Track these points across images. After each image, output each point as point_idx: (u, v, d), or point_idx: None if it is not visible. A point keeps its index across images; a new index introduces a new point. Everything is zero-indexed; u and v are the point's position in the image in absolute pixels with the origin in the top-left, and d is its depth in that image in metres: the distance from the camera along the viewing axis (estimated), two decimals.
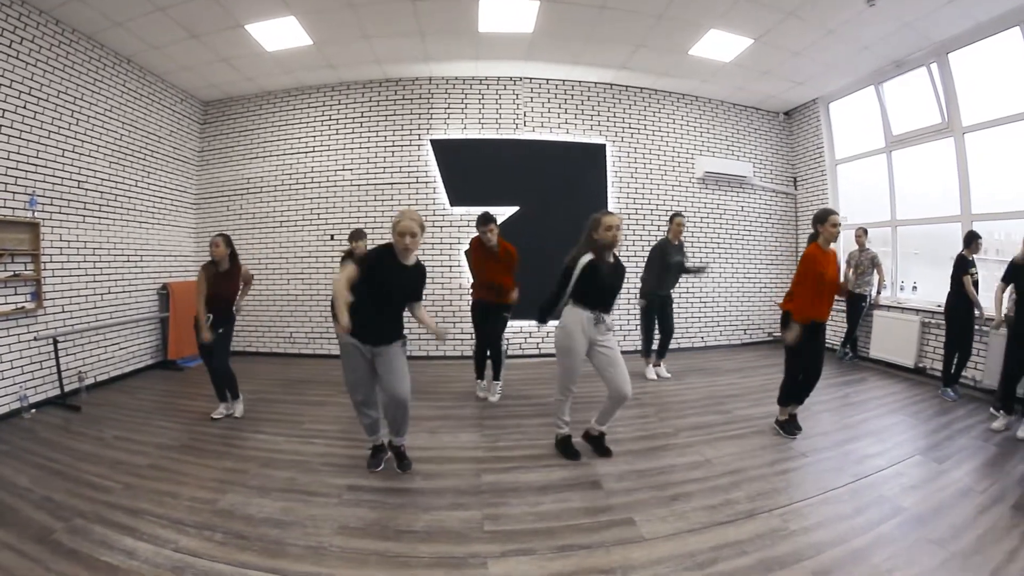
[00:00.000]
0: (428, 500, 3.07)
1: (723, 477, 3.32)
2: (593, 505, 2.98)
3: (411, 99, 6.94)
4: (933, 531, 2.64)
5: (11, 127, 4.66)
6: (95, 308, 5.63)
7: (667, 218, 7.30)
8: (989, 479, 3.29)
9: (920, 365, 5.97)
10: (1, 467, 3.51)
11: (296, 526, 2.77)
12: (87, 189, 5.53)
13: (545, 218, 6.66)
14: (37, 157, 4.93)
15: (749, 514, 2.85)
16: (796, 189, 8.19)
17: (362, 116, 6.99)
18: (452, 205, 6.87)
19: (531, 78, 6.99)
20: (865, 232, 6.48)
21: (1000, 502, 2.97)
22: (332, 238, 6.85)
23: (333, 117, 7.05)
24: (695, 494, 3.09)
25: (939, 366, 5.57)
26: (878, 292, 6.50)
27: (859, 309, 6.51)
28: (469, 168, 6.88)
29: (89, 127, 5.52)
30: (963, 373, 5.23)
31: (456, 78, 6.92)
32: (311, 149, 7.08)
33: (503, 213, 6.70)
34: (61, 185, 5.21)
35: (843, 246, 7.42)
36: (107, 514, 2.87)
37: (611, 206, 7.15)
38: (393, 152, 6.93)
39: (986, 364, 5.22)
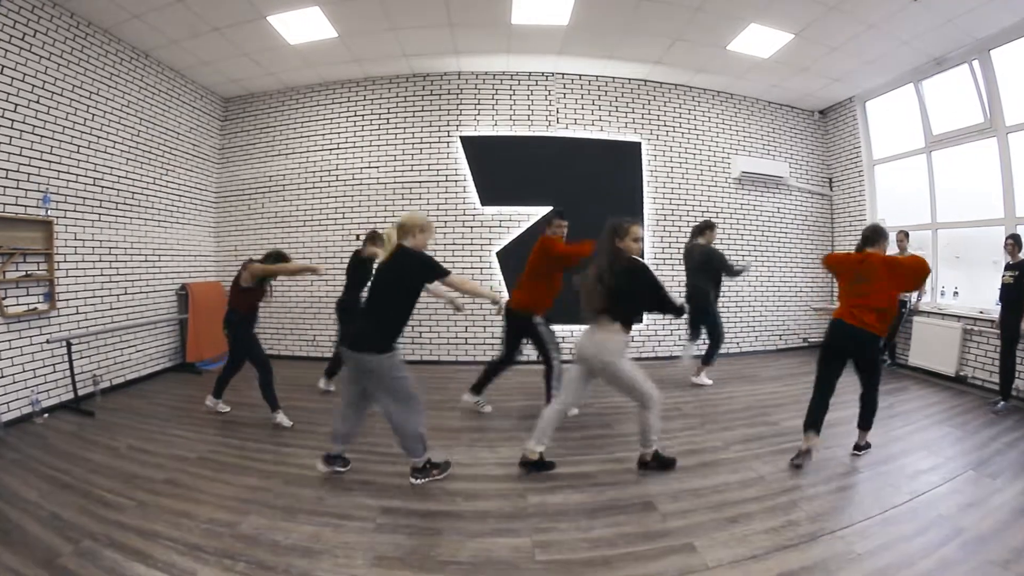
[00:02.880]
0: (471, 525, 2.74)
1: (780, 496, 3.06)
2: (649, 529, 2.70)
3: (440, 94, 6.67)
4: (995, 552, 2.47)
5: (24, 122, 4.44)
6: (111, 309, 5.36)
7: (703, 218, 7.00)
8: None
9: (961, 374, 5.61)
10: (10, 478, 3.25)
11: (326, 555, 2.45)
12: (103, 187, 5.28)
13: (580, 217, 6.25)
14: (51, 153, 4.69)
15: (812, 536, 2.62)
16: (832, 190, 7.84)
17: (388, 112, 6.73)
18: (483, 204, 6.58)
19: (564, 73, 6.71)
20: (907, 236, 6.12)
21: None
22: (358, 238, 6.55)
23: (358, 113, 6.78)
24: (755, 515, 2.84)
25: (981, 375, 5.42)
26: (919, 298, 6.17)
27: (899, 315, 6.12)
28: (500, 166, 6.59)
29: (105, 123, 5.28)
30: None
31: (487, 73, 6.65)
32: (335, 146, 6.82)
33: (536, 212, 6.48)
34: (76, 182, 4.97)
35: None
36: (119, 536, 2.57)
37: (647, 206, 6.87)
38: (421, 149, 6.66)
39: None
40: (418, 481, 3.19)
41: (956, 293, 6.17)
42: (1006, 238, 4.95)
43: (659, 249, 6.91)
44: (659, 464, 3.37)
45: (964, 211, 6.03)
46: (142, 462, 3.50)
